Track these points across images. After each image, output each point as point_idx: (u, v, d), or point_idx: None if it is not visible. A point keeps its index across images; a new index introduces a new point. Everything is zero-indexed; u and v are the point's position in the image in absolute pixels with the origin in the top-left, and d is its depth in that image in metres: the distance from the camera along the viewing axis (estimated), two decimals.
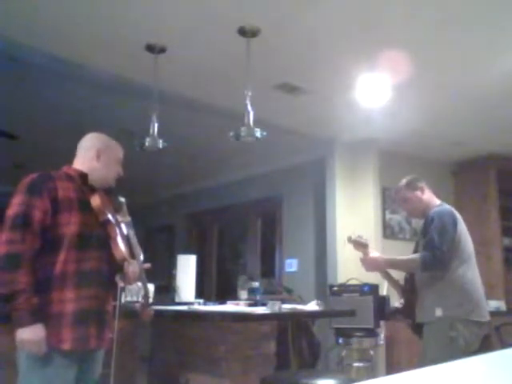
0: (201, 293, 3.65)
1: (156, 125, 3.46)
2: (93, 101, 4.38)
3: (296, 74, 3.94)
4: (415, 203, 3.12)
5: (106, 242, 2.10)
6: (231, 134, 3.16)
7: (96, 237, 2.08)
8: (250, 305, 3.05)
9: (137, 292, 3.00)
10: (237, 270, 6.46)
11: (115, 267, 2.12)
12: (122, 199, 2.28)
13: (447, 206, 3.09)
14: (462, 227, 3.01)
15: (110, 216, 2.13)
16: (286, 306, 2.87)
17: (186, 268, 3.35)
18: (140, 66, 3.63)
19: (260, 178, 6.59)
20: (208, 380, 2.79)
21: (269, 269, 6.50)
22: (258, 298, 3.28)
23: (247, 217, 6.98)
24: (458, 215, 3.03)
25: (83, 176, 2.15)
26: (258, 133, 3.14)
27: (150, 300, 2.38)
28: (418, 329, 3.01)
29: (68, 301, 1.95)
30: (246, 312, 2.73)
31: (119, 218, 2.19)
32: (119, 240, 2.11)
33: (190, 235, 7.90)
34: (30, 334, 1.86)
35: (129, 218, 2.22)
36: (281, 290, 5.38)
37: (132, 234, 2.18)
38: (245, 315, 2.65)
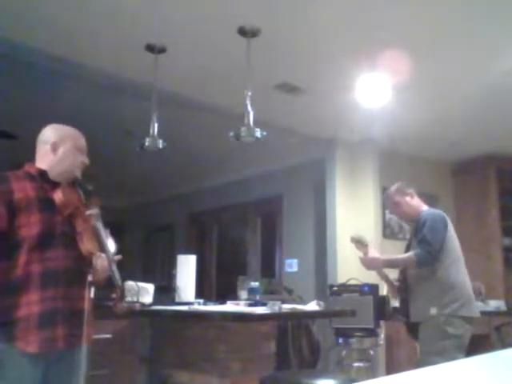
0: (201, 293, 3.65)
1: (156, 125, 3.46)
2: (93, 101, 4.38)
3: (296, 74, 3.94)
4: (405, 208, 3.28)
5: (73, 238, 2.02)
6: (231, 134, 3.16)
7: (61, 234, 2.00)
8: (250, 305, 3.05)
9: (136, 292, 2.99)
10: (237, 270, 6.45)
11: (86, 263, 2.05)
12: (90, 188, 2.14)
13: (438, 210, 3.27)
14: (452, 230, 3.17)
15: (75, 210, 2.04)
16: (286, 306, 2.87)
17: (186, 268, 3.35)
18: (140, 66, 3.63)
19: (260, 178, 6.59)
20: (208, 380, 2.79)
21: (269, 269, 6.50)
22: (257, 297, 3.28)
23: (247, 217, 6.98)
24: (448, 219, 3.19)
25: (42, 173, 2.06)
26: (257, 133, 3.14)
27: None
28: (413, 328, 3.16)
29: (33, 303, 1.89)
30: (246, 312, 2.73)
31: (87, 210, 2.06)
32: (85, 234, 2.03)
33: (190, 235, 7.90)
34: None
35: (97, 209, 2.08)
36: (281, 290, 5.38)
37: (101, 226, 2.05)
38: (245, 315, 2.64)
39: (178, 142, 3.87)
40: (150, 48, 3.46)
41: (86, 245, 2.02)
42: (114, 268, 2.02)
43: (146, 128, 3.46)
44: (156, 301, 3.14)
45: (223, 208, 7.25)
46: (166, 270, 7.20)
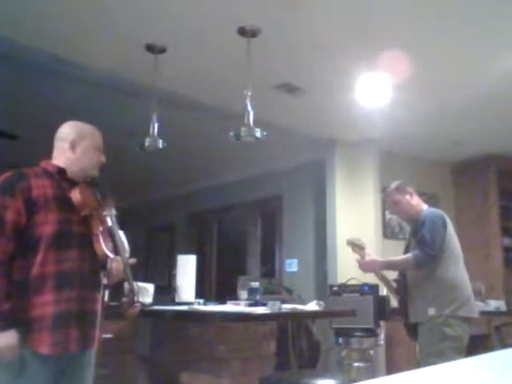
0: (201, 293, 3.65)
1: (156, 125, 3.46)
2: (93, 101, 4.38)
3: (296, 74, 3.94)
4: (405, 206, 3.25)
5: (89, 239, 1.99)
6: (231, 134, 3.16)
7: (77, 235, 1.98)
8: (250, 305, 3.05)
9: (136, 291, 2.99)
10: (237, 270, 6.45)
11: (101, 265, 2.04)
12: (108, 190, 2.13)
13: (437, 210, 3.25)
14: (451, 230, 3.14)
15: (92, 210, 2.02)
16: (286, 306, 2.87)
17: (186, 268, 3.35)
18: (140, 66, 3.63)
19: (260, 178, 6.59)
20: (208, 380, 2.79)
21: (269, 269, 6.49)
22: (258, 297, 3.28)
23: (247, 217, 6.98)
24: (448, 219, 3.16)
25: (61, 171, 2.04)
26: (257, 133, 3.14)
27: (139, 299, 2.29)
28: (412, 329, 3.14)
29: (47, 304, 1.88)
30: (246, 312, 2.73)
31: (104, 211, 2.04)
32: (101, 236, 2.01)
33: (190, 235, 7.89)
34: (0, 341, 1.80)
35: (114, 211, 2.06)
36: (281, 290, 5.38)
37: (116, 227, 2.04)
38: (245, 315, 2.64)
39: (178, 142, 3.86)
40: (150, 48, 3.46)
41: (102, 247, 2.00)
42: (129, 271, 2.01)
43: (146, 128, 3.46)
44: (156, 301, 3.14)
45: (223, 208, 7.25)
46: (166, 270, 7.20)
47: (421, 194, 3.38)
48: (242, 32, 3.24)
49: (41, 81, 4.03)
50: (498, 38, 3.39)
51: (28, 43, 3.43)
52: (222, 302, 3.31)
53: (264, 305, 2.86)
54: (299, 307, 2.98)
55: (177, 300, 3.27)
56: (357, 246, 3.17)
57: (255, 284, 3.43)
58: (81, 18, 3.16)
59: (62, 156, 2.08)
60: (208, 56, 3.63)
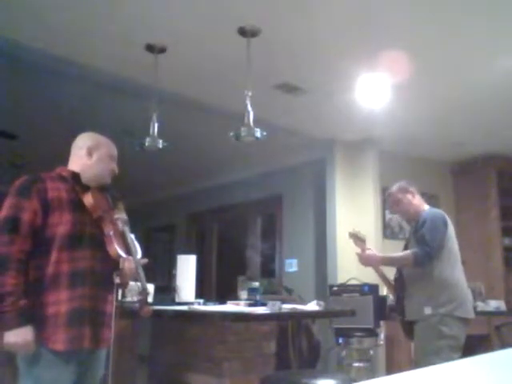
0: (201, 293, 3.65)
1: (156, 125, 3.46)
2: (93, 101, 4.38)
3: (296, 74, 3.94)
4: (406, 206, 3.28)
5: (101, 240, 2.08)
6: (231, 134, 3.16)
7: (89, 236, 2.06)
8: (250, 305, 3.05)
9: (137, 292, 2.99)
10: (237, 270, 6.45)
11: (113, 265, 2.10)
12: (118, 194, 2.24)
13: (438, 210, 3.27)
14: (451, 230, 3.16)
15: (104, 213, 2.11)
16: (286, 306, 2.87)
17: (186, 268, 3.35)
18: (140, 66, 3.63)
19: (260, 178, 6.59)
20: (208, 380, 2.79)
21: (269, 269, 6.49)
22: (257, 298, 3.28)
23: (247, 217, 6.98)
24: (448, 219, 3.18)
25: (75, 176, 2.14)
26: (257, 133, 3.14)
27: (149, 298, 2.34)
28: (408, 327, 3.16)
29: (61, 301, 1.94)
30: (246, 312, 2.73)
31: (115, 214, 2.15)
32: (113, 237, 2.09)
33: (190, 235, 7.90)
34: (16, 337, 1.85)
35: (124, 215, 2.17)
36: (281, 290, 5.37)
37: (127, 230, 2.13)
38: (245, 315, 2.64)
39: (178, 142, 3.86)
40: (150, 48, 3.47)
41: (115, 247, 2.08)
42: (141, 271, 2.08)
43: (146, 128, 3.46)
44: (156, 301, 3.14)
45: (223, 208, 7.25)
46: (166, 270, 7.20)
47: (421, 194, 3.39)
48: (242, 32, 3.24)
49: (41, 80, 4.03)
50: (498, 38, 3.39)
51: (28, 43, 3.44)
52: (222, 302, 3.31)
53: (264, 305, 2.86)
54: (299, 307, 2.98)
55: (177, 300, 3.26)
56: (358, 239, 3.19)
57: (255, 284, 3.42)
58: (81, 18, 3.16)
59: (78, 162, 2.18)
60: (208, 56, 3.63)
